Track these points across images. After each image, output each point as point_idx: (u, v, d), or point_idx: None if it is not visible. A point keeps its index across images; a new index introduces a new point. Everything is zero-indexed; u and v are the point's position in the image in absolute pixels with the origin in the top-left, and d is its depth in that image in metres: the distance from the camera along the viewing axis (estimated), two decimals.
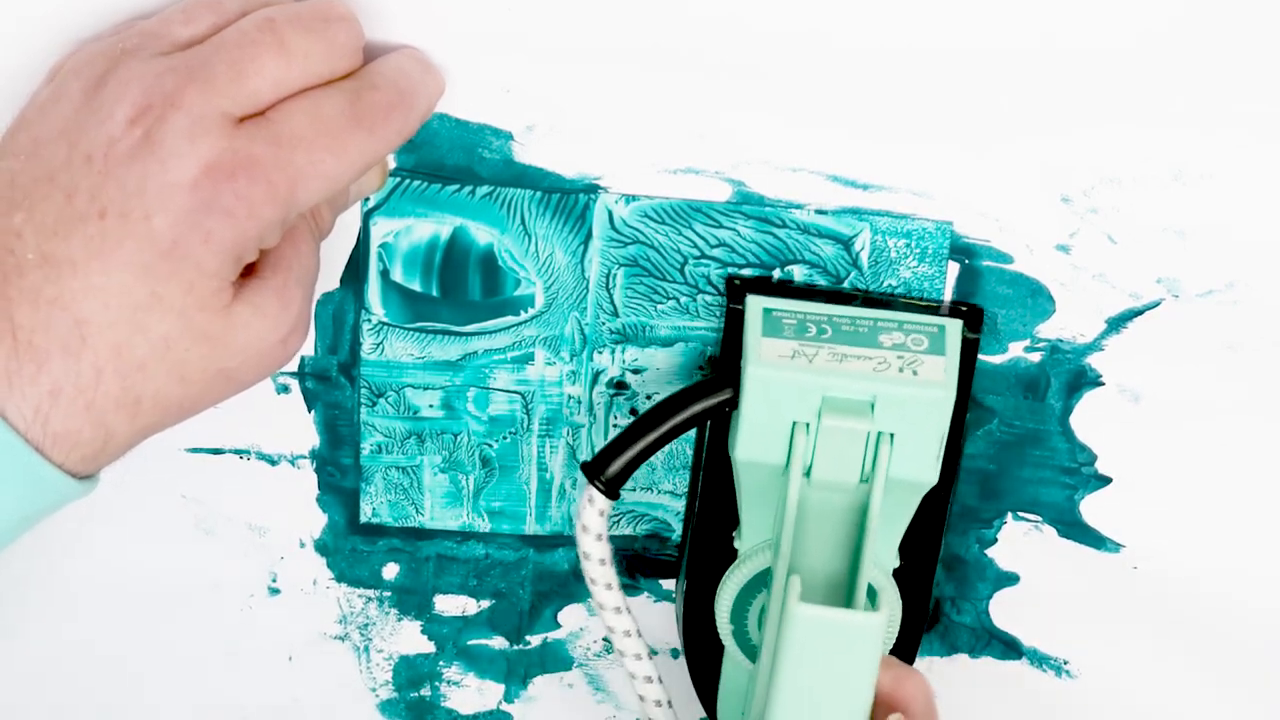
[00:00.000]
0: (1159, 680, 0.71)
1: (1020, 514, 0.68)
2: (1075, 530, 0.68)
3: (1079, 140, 0.61)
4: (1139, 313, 0.64)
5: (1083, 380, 0.66)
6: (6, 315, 0.52)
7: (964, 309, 0.64)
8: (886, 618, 0.58)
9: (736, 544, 0.64)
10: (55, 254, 0.52)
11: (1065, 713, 0.71)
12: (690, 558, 0.66)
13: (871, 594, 0.62)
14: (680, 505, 0.69)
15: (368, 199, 0.63)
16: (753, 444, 0.60)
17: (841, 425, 0.59)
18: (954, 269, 0.64)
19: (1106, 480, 0.67)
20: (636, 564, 0.70)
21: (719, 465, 0.64)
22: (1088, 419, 0.66)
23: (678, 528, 0.69)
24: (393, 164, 0.62)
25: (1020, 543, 0.68)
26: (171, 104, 0.53)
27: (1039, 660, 0.71)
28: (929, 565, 0.66)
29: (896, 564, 0.64)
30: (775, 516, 0.62)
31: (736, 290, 0.63)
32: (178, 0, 0.57)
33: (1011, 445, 0.67)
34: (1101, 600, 0.69)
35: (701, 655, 0.68)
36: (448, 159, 0.63)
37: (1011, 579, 0.69)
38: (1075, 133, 0.61)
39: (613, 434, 0.67)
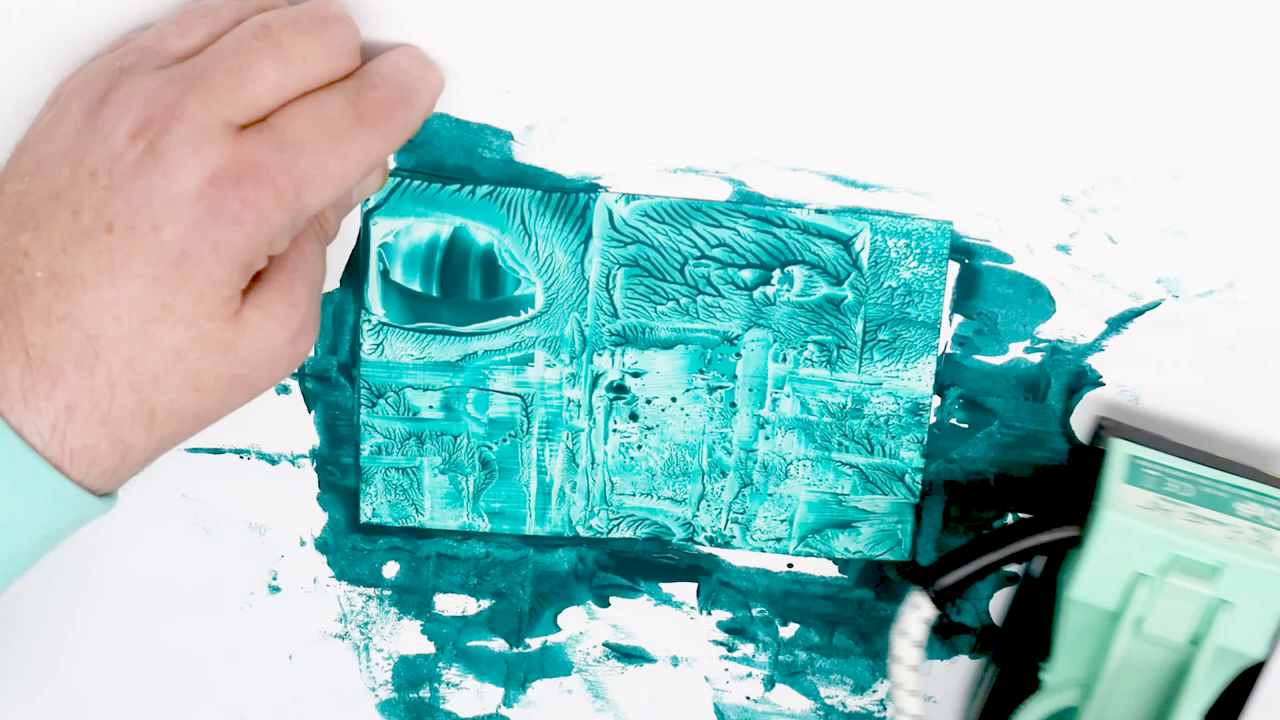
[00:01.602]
0: None
1: (1020, 515, 0.68)
2: None
3: (1079, 140, 0.61)
4: (1139, 313, 0.64)
5: (1083, 381, 0.66)
6: (19, 334, 0.52)
7: None
8: None
9: (1043, 675, 0.64)
10: (64, 271, 0.52)
11: None
12: (996, 678, 0.67)
13: None
14: (679, 511, 0.68)
15: (369, 199, 0.63)
16: (1090, 586, 0.60)
17: (1185, 586, 0.59)
18: (954, 269, 0.64)
19: None
20: (638, 567, 0.70)
21: (1041, 592, 0.64)
22: (1088, 419, 0.66)
23: (677, 532, 0.69)
24: (393, 164, 0.63)
25: None
26: (173, 115, 0.52)
27: None
28: None
29: None
30: (1090, 658, 0.62)
31: (1102, 430, 0.64)
32: (171, 12, 0.57)
33: (1012, 447, 0.67)
34: None
35: None
36: (448, 159, 0.63)
37: (1012, 579, 0.69)
38: (1075, 133, 0.61)
39: (613, 439, 0.67)
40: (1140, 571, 0.59)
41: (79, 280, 0.52)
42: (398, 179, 0.63)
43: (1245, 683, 0.64)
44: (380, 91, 0.56)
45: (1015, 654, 0.66)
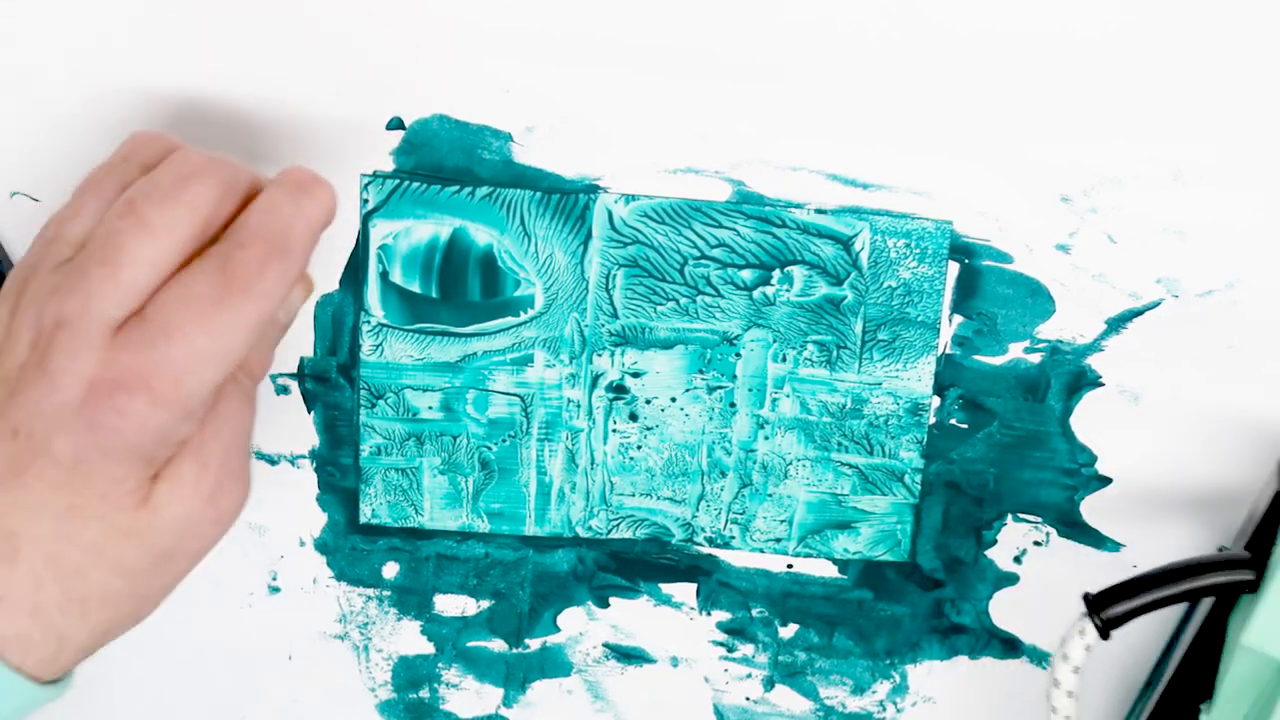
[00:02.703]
0: None
1: (1021, 515, 0.68)
2: (1075, 531, 0.68)
3: (1079, 140, 0.61)
4: (1139, 313, 0.64)
5: (1083, 381, 0.65)
6: None
7: None
8: None
9: (1203, 717, 0.63)
10: None
11: None
12: (1154, 710, 0.66)
13: None
14: (679, 511, 0.68)
15: (373, 202, 0.63)
16: (1263, 634, 0.59)
17: None
18: (954, 269, 0.64)
19: (1107, 481, 0.67)
20: (637, 568, 0.70)
21: (1209, 634, 0.64)
22: (1088, 420, 0.66)
23: (676, 532, 0.69)
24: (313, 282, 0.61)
25: (1020, 543, 0.68)
26: (58, 324, 0.53)
27: (1039, 658, 0.70)
28: None
29: None
30: (1254, 705, 0.61)
31: None
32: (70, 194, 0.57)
33: (1011, 447, 0.67)
34: None
35: None
36: (447, 160, 0.63)
37: (1011, 579, 0.69)
38: (1075, 133, 0.61)
39: (612, 439, 0.67)
40: None
41: None
42: (398, 180, 0.63)
43: None
44: (248, 249, 0.53)
45: (1179, 692, 0.66)
